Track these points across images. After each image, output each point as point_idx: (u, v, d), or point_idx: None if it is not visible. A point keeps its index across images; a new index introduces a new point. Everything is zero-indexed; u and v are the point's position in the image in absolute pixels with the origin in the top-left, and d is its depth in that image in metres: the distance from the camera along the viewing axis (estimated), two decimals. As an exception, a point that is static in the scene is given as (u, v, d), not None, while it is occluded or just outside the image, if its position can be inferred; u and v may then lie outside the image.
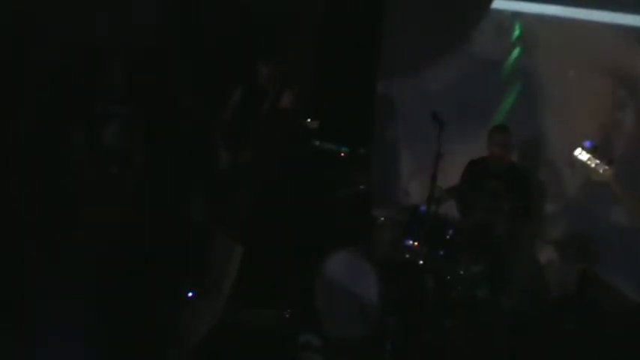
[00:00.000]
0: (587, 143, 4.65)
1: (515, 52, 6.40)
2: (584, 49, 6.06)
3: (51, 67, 5.44)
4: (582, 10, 6.11)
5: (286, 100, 5.65)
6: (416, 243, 5.38)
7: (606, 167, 4.55)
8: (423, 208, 5.47)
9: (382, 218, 5.49)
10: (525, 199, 5.71)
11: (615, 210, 5.59)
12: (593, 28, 6.04)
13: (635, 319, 5.35)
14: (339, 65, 6.61)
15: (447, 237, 5.46)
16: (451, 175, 6.13)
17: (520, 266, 5.83)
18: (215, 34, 6.03)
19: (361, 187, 5.67)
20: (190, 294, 5.15)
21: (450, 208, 5.88)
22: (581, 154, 4.61)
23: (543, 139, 6.23)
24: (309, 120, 5.42)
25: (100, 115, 5.53)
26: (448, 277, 5.30)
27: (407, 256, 5.34)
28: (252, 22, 6.07)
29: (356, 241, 5.32)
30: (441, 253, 5.40)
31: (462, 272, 5.32)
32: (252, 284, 4.97)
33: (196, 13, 5.96)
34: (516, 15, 6.43)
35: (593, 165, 4.57)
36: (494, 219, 5.55)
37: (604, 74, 5.93)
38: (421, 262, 5.25)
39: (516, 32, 6.40)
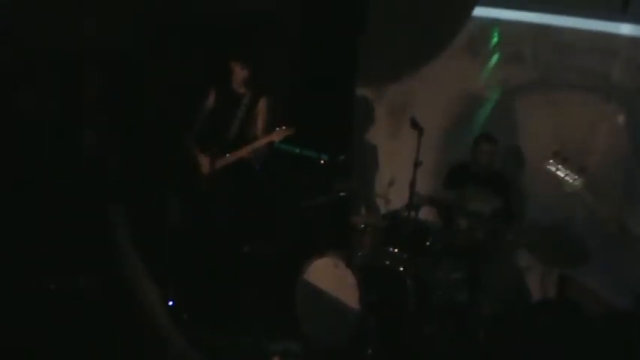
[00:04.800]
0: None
1: (494, 58, 6.43)
2: (561, 56, 6.10)
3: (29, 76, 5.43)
4: (560, 17, 6.15)
5: (262, 105, 5.65)
6: (396, 249, 5.39)
7: (576, 177, 4.57)
8: (404, 214, 5.47)
9: (362, 225, 5.48)
10: (506, 204, 5.73)
11: (593, 215, 5.60)
12: (571, 35, 6.08)
13: (615, 322, 5.37)
14: (319, 71, 6.61)
15: (427, 243, 5.48)
16: (431, 181, 6.16)
17: (500, 271, 5.85)
18: (192, 37, 6.01)
19: (341, 194, 5.66)
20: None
21: (431, 214, 5.90)
22: (551, 166, 4.63)
23: (523, 144, 6.25)
24: (283, 127, 5.42)
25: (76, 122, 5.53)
26: (428, 283, 5.31)
27: (387, 262, 5.34)
28: (230, 26, 6.06)
29: (336, 248, 5.30)
30: (422, 259, 5.40)
31: (442, 278, 5.34)
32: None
33: (170, 17, 5.94)
34: (495, 22, 6.47)
35: (563, 175, 4.60)
36: (475, 225, 5.57)
37: (580, 81, 5.97)
38: (401, 268, 5.25)
39: (495, 39, 6.44)
